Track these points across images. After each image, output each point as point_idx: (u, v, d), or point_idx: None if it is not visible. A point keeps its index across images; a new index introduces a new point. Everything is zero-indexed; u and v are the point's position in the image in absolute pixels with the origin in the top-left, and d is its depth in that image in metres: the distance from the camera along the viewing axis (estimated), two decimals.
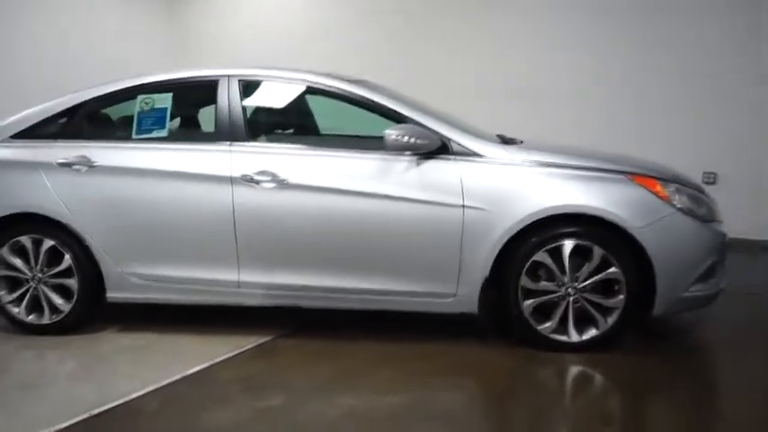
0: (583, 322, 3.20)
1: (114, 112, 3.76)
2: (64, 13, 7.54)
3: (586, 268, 3.13)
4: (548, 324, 3.21)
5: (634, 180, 3.15)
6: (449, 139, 3.22)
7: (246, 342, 3.41)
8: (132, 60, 7.83)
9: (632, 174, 3.17)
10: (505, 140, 3.56)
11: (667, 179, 3.23)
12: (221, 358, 3.22)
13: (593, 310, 3.17)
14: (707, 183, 6.02)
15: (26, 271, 3.51)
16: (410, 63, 7.23)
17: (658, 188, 3.15)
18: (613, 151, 3.73)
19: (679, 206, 3.14)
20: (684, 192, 3.22)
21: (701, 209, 3.23)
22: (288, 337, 3.51)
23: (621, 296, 3.13)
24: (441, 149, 3.19)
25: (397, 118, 3.27)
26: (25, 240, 3.47)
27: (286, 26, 8.14)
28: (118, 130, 3.68)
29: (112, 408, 2.71)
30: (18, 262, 3.50)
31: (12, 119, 3.66)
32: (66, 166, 3.44)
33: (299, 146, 3.45)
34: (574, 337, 3.20)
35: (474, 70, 7.07)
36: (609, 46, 6.44)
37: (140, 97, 3.52)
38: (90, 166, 3.42)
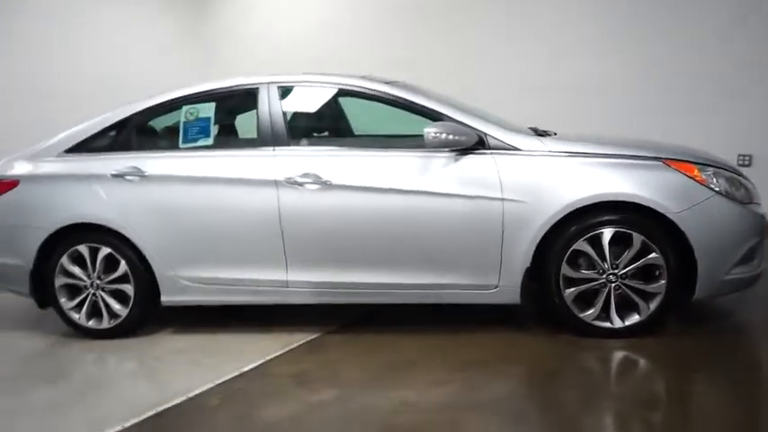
0: (625, 308, 3.26)
1: (159, 123, 3.92)
2: (95, 29, 7.86)
3: (626, 255, 3.18)
4: (590, 311, 3.27)
5: (670, 165, 3.19)
6: (485, 134, 3.30)
7: (296, 339, 3.53)
8: (161, 70, 8.13)
9: (668, 159, 3.21)
10: (539, 133, 3.62)
11: (704, 163, 3.27)
12: (273, 355, 3.35)
13: (634, 296, 3.22)
14: (742, 165, 6.00)
15: (85, 278, 3.68)
16: (438, 61, 7.34)
17: (695, 172, 3.19)
18: (647, 136, 3.77)
19: (717, 189, 3.18)
20: (722, 175, 3.25)
21: (738, 191, 3.26)
22: (335, 333, 3.62)
23: (663, 281, 3.18)
24: (478, 144, 3.27)
25: (433, 116, 3.37)
26: (83, 249, 3.64)
27: (317, 28, 8.29)
28: (165, 141, 3.83)
29: (176, 405, 2.86)
30: (77, 270, 3.67)
31: (64, 134, 3.84)
32: (119, 176, 3.61)
33: (339, 147, 3.58)
34: (617, 323, 3.25)
35: (500, 65, 7.13)
36: (640, 29, 6.43)
37: (185, 108, 3.67)
38: (141, 176, 3.58)
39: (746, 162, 6.08)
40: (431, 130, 3.21)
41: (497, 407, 2.70)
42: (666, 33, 6.32)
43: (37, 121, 5.92)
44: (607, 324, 3.27)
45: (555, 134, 3.66)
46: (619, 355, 3.19)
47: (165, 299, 3.67)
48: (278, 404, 2.81)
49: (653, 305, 3.22)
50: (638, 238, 3.15)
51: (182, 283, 3.61)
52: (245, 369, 3.20)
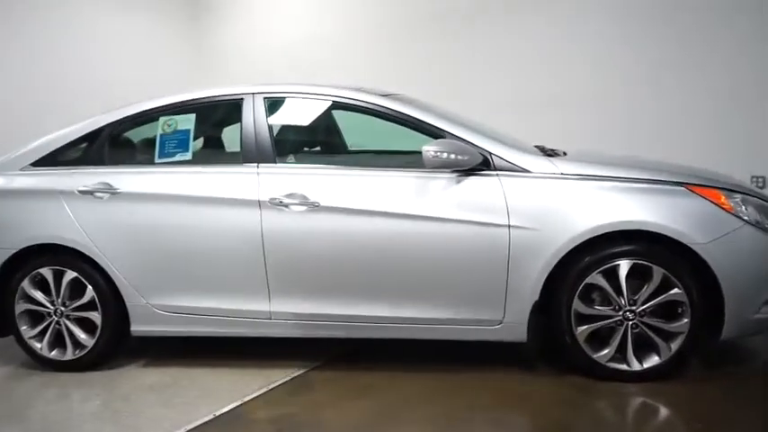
0: (643, 348, 2.95)
1: (135, 135, 3.63)
2: (83, 34, 7.64)
3: (645, 290, 2.87)
4: (604, 352, 2.96)
5: (694, 191, 2.89)
6: (490, 154, 3.00)
7: (278, 376, 3.21)
8: (153, 79, 7.91)
9: (692, 184, 2.91)
10: (547, 152, 3.33)
11: (731, 189, 2.97)
12: (252, 395, 3.03)
13: (654, 336, 2.91)
14: (756, 187, 5.79)
15: (48, 304, 3.37)
16: (439, 74, 7.14)
17: (722, 199, 2.89)
18: (657, 156, 3.49)
19: (746, 219, 2.87)
20: (751, 202, 2.95)
21: None
22: (321, 370, 3.30)
23: (686, 320, 2.87)
24: (482, 165, 2.97)
25: (433, 133, 3.07)
26: (46, 272, 3.35)
27: (309, 40, 8.14)
28: (140, 155, 3.54)
29: None
30: (39, 295, 3.37)
31: (32, 146, 3.55)
32: (88, 193, 3.31)
33: (329, 166, 3.27)
34: (634, 365, 2.94)
35: (503, 79, 6.93)
36: (655, 50, 6.24)
37: (162, 119, 3.39)
38: (112, 193, 3.28)
39: (760, 184, 5.87)
40: (430, 149, 2.91)
41: None
42: (677, 52, 6.13)
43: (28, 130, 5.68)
44: (623, 366, 2.95)
45: (565, 154, 3.37)
46: (636, 401, 2.87)
47: (136, 328, 3.35)
48: None
49: (674, 346, 2.90)
50: (658, 272, 2.84)
51: (154, 311, 3.29)
52: (220, 412, 2.88)
